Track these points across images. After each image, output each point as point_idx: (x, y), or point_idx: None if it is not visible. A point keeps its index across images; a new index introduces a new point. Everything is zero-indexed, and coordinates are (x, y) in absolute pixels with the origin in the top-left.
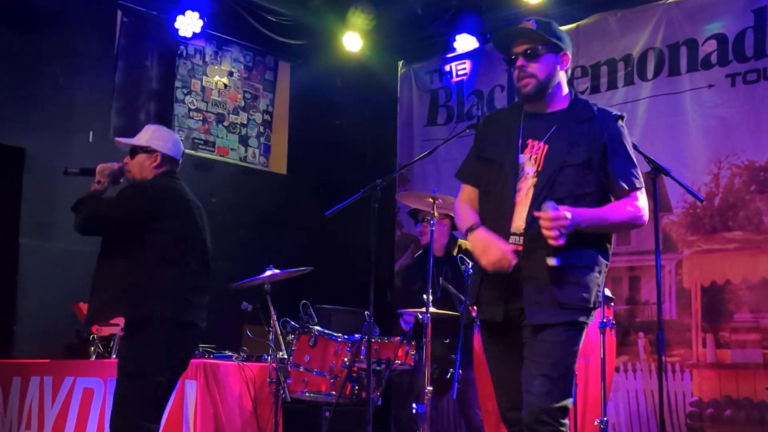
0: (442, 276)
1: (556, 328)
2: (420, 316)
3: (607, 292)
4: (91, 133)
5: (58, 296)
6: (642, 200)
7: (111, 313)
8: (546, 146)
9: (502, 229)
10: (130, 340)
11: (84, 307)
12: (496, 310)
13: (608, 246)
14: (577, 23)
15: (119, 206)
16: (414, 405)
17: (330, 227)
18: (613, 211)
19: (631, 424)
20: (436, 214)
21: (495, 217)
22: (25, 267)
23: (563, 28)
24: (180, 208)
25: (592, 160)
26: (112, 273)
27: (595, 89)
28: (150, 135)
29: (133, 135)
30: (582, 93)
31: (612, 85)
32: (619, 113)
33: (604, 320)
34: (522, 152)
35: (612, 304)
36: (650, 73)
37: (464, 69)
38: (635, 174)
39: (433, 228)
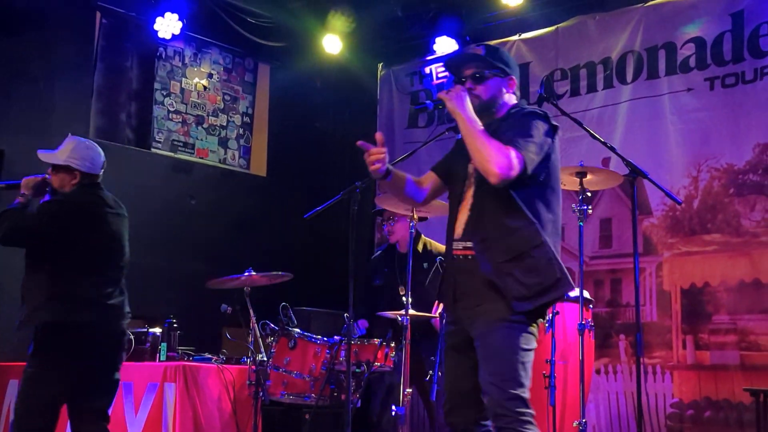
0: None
1: (495, 329)
2: (399, 318)
3: (586, 294)
4: (69, 134)
5: None
6: (513, 157)
7: (38, 319)
8: None
9: (450, 235)
10: (42, 348)
11: None
12: (447, 310)
13: (541, 219)
14: (556, 26)
15: (40, 220)
16: (393, 407)
17: (309, 229)
18: (486, 136)
19: (612, 426)
20: (415, 216)
21: (448, 224)
22: (3, 270)
23: (542, 30)
24: (97, 221)
25: None
26: (36, 282)
27: (574, 92)
28: (69, 152)
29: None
30: (561, 96)
31: (591, 88)
32: (532, 110)
33: (583, 322)
34: (470, 162)
35: (591, 306)
36: (629, 76)
37: (444, 71)
38: (520, 141)
39: (393, 225)
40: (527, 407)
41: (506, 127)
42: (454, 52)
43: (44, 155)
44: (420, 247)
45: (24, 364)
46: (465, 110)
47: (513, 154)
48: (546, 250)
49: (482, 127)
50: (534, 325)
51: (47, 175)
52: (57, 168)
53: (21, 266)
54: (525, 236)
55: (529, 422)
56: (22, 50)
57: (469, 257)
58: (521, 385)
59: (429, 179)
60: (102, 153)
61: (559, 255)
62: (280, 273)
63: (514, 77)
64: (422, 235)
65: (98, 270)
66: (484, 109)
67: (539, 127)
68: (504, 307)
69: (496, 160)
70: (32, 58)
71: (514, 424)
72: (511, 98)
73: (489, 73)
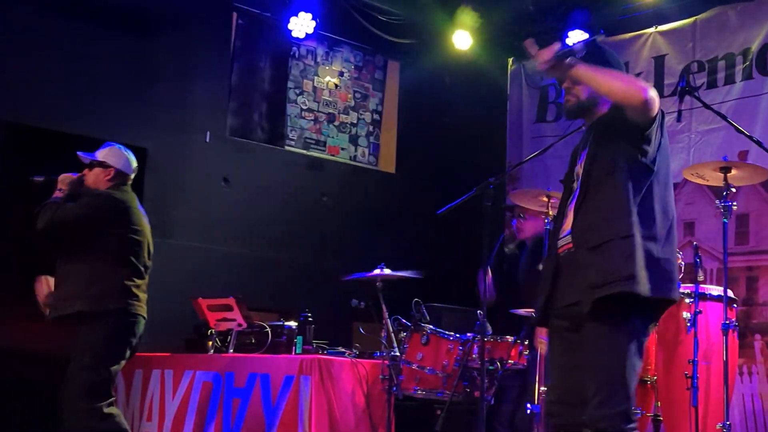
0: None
1: (597, 323)
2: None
3: (730, 293)
4: (208, 133)
5: (177, 291)
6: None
7: (71, 307)
8: (587, 149)
9: (557, 234)
10: (86, 332)
11: (203, 302)
12: (537, 310)
13: (647, 218)
14: (694, 17)
15: (79, 213)
16: (528, 405)
17: (439, 225)
18: (619, 72)
19: (747, 429)
20: (550, 212)
21: (555, 224)
22: None
23: (680, 22)
24: (131, 216)
25: (615, 135)
26: (72, 271)
27: (711, 84)
28: (107, 152)
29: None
30: (698, 88)
31: (729, 80)
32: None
33: (727, 322)
34: (579, 164)
35: (735, 305)
36: None
37: None
38: None
39: (524, 223)
40: (631, 421)
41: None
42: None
43: (82, 155)
44: None
45: (165, 354)
46: (576, 64)
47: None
48: (631, 243)
49: (599, 68)
50: (645, 331)
51: (83, 174)
52: (92, 165)
53: (162, 260)
54: (614, 226)
55: None
56: (162, 51)
57: (565, 252)
58: (628, 399)
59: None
60: (135, 160)
61: (661, 254)
62: (409, 273)
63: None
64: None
65: (130, 263)
66: (581, 109)
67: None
68: (607, 308)
69: (636, 82)
70: (171, 59)
71: None
72: None
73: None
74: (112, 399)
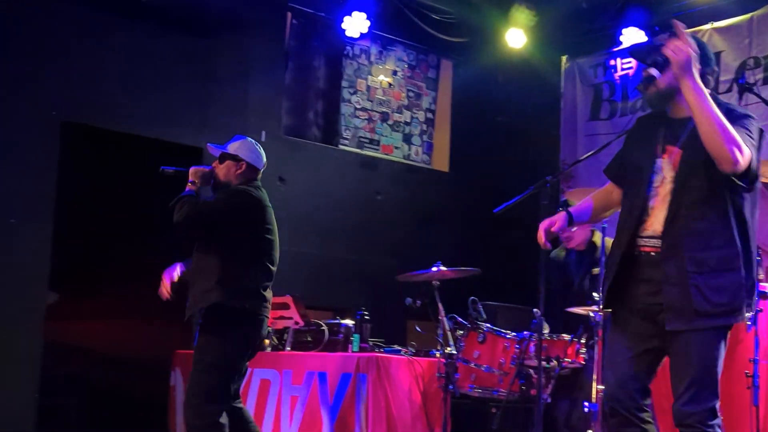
0: (584, 269)
1: (694, 334)
2: (591, 314)
3: None
4: (263, 132)
5: None
6: (745, 149)
7: (207, 301)
8: (681, 151)
9: (628, 230)
10: (213, 332)
11: None
12: (605, 299)
13: (745, 242)
14: (750, 14)
15: (217, 209)
16: (586, 404)
17: (493, 224)
18: (722, 116)
19: None
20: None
21: (625, 219)
22: None
23: (736, 19)
24: (264, 214)
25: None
26: (206, 266)
27: (767, 80)
28: (238, 145)
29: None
30: (754, 84)
31: None
32: (745, 112)
33: None
34: (660, 157)
35: None
36: None
37: (630, 63)
38: (745, 137)
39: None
40: (717, 417)
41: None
42: (643, 42)
43: (214, 148)
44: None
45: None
46: (697, 77)
47: (742, 143)
48: (739, 276)
49: (713, 109)
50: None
51: (213, 167)
52: (223, 158)
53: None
54: (722, 256)
55: None
56: (218, 51)
57: (652, 254)
58: (716, 396)
59: (610, 189)
60: (264, 155)
61: (754, 277)
62: (468, 268)
63: (707, 70)
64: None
65: (260, 262)
66: (662, 97)
67: (756, 130)
68: (691, 315)
69: (734, 147)
70: (227, 58)
71: None
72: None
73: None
74: (237, 403)
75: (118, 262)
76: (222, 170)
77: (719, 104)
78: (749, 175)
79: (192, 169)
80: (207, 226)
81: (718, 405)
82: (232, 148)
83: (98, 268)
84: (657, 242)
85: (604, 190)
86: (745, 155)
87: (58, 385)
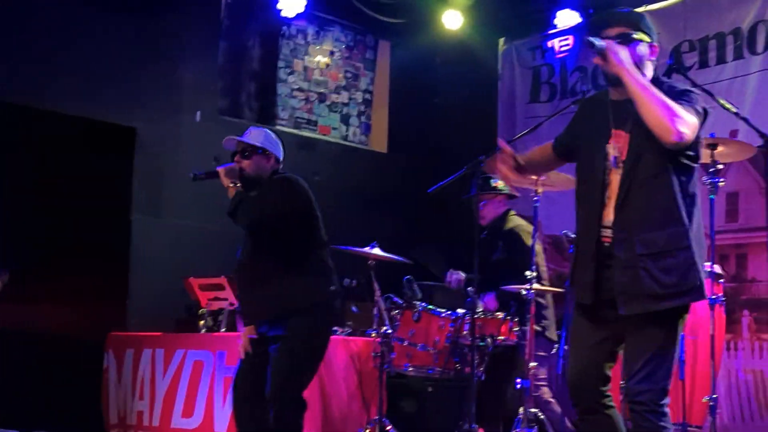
0: (496, 251)
1: (647, 317)
2: (524, 292)
3: (717, 269)
4: (198, 113)
5: (169, 271)
6: (687, 115)
7: (276, 307)
8: (628, 135)
9: (593, 220)
10: (298, 325)
11: (194, 282)
12: (586, 294)
13: (692, 223)
14: None
15: (279, 203)
16: (518, 380)
17: (430, 204)
18: (659, 92)
19: (732, 404)
20: (539, 190)
21: (587, 209)
22: (137, 243)
23: (670, 1)
24: (312, 197)
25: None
26: (274, 266)
27: (703, 64)
28: (263, 138)
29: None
30: (690, 68)
31: (721, 60)
32: (686, 87)
33: (713, 297)
34: (608, 142)
35: (721, 280)
36: (760, 47)
37: (567, 45)
38: (686, 107)
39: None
40: (667, 397)
41: None
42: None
43: (238, 140)
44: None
45: (157, 334)
46: (631, 64)
47: (683, 110)
48: (690, 254)
49: (648, 85)
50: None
51: (237, 162)
52: (250, 153)
53: (152, 239)
54: (671, 235)
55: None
56: (151, 31)
57: (606, 244)
58: (670, 376)
59: (548, 149)
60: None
61: (703, 260)
62: (399, 257)
63: (655, 44)
64: (511, 211)
65: (324, 241)
66: (617, 79)
67: (700, 102)
68: (643, 298)
69: (674, 118)
70: (160, 38)
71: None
72: (650, 67)
73: (635, 36)
74: None
75: (48, 243)
76: (252, 165)
77: (660, 83)
78: (697, 146)
79: (222, 169)
80: (273, 223)
81: (669, 386)
82: (257, 141)
83: (27, 250)
84: (609, 231)
85: (542, 148)
86: (690, 124)
87: None
